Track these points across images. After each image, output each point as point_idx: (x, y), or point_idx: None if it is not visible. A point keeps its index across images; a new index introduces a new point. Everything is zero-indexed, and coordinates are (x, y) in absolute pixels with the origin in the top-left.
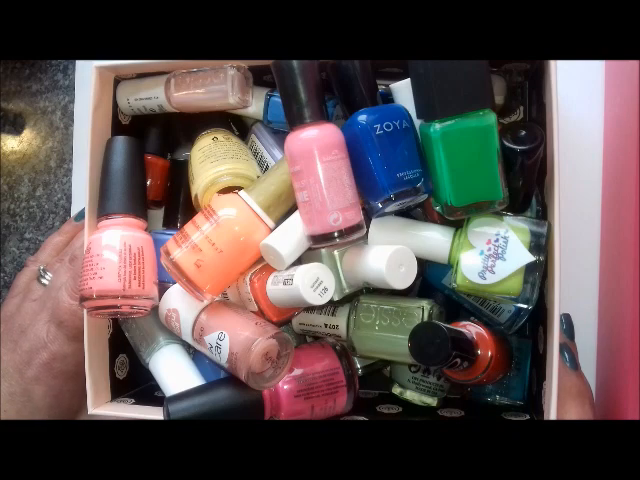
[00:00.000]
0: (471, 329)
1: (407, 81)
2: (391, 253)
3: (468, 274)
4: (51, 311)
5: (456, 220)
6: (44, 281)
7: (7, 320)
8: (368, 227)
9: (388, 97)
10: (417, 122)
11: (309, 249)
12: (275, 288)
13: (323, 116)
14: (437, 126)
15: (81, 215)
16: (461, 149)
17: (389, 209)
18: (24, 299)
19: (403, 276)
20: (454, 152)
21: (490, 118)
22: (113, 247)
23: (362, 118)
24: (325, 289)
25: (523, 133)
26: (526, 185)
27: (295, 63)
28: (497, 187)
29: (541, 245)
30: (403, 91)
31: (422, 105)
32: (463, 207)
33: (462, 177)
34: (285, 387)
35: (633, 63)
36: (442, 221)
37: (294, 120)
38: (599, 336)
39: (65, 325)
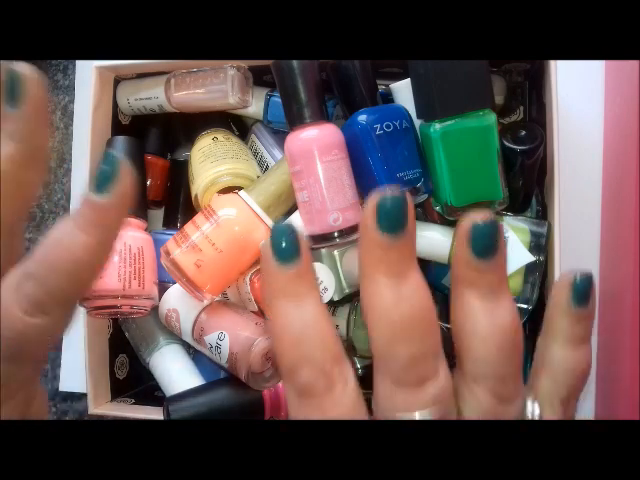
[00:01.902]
0: None
1: (407, 81)
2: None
3: None
4: None
5: (456, 220)
6: None
7: None
8: None
9: (388, 97)
10: (417, 122)
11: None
12: None
13: (323, 116)
14: (437, 126)
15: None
16: (461, 149)
17: None
18: None
19: None
20: (454, 152)
21: (490, 118)
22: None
23: (362, 118)
24: (325, 289)
25: (523, 133)
26: (526, 185)
27: (295, 63)
28: (497, 187)
29: (541, 245)
30: (403, 91)
31: (422, 105)
32: (463, 207)
33: (462, 177)
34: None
35: (633, 63)
36: (442, 221)
37: (294, 120)
38: (599, 336)
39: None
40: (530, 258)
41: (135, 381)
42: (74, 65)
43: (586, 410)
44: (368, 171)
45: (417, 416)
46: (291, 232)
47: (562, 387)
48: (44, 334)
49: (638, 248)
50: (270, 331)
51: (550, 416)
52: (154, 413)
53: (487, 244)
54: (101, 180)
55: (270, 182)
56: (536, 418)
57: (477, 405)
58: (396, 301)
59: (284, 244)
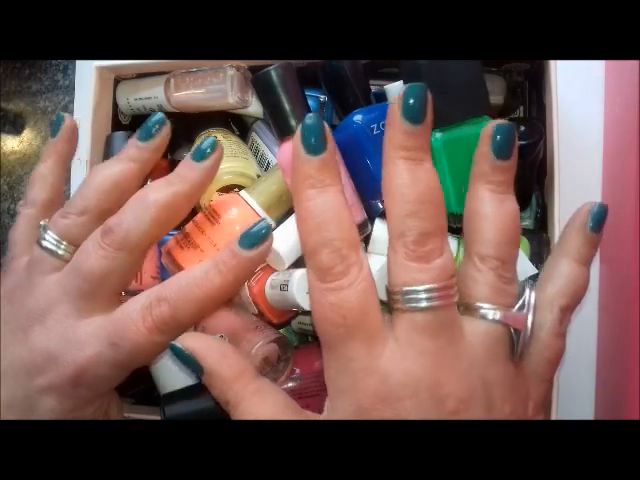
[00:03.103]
0: None
1: (401, 82)
2: (382, 265)
3: None
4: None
5: (459, 227)
6: (59, 251)
7: (11, 298)
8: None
9: (382, 97)
10: None
11: None
12: (272, 292)
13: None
14: (438, 135)
15: (57, 125)
16: (463, 156)
17: None
18: (33, 270)
19: None
20: (456, 160)
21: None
22: None
23: (358, 118)
24: None
25: (522, 129)
26: (525, 184)
27: (273, 74)
28: None
29: (541, 256)
30: (397, 91)
31: None
32: None
33: (464, 184)
34: (280, 386)
35: (633, 63)
36: None
37: (279, 132)
38: (599, 336)
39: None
40: (533, 270)
41: (135, 381)
42: (74, 65)
43: (586, 410)
44: (367, 171)
45: (422, 289)
46: (318, 125)
47: (564, 295)
48: (156, 351)
49: (638, 248)
50: (296, 217)
51: (549, 320)
52: (154, 413)
53: (505, 145)
54: (253, 238)
55: (271, 182)
56: (532, 304)
57: (484, 282)
58: (412, 181)
59: (311, 136)
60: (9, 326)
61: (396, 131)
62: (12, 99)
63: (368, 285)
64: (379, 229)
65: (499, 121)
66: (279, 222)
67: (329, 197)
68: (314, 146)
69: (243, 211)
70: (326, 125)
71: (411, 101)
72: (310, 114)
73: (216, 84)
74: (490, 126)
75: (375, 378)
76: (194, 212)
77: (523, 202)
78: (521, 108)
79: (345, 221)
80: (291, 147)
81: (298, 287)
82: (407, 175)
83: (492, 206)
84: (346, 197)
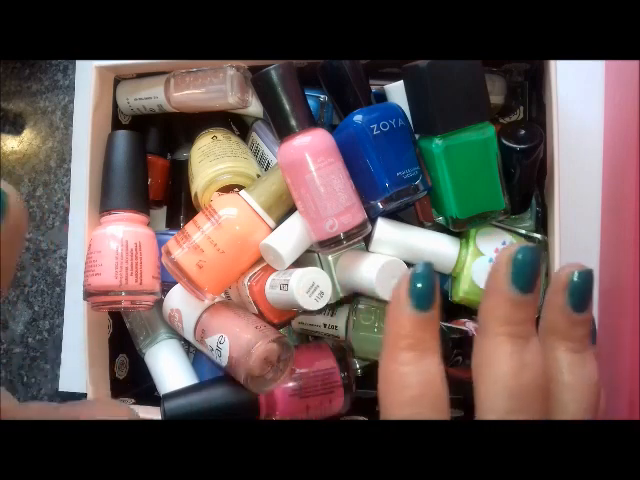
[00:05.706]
0: (470, 325)
1: (402, 82)
2: (383, 264)
3: (478, 281)
4: None
5: (461, 232)
6: None
7: None
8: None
9: (382, 98)
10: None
11: (310, 251)
12: (272, 292)
13: (305, 123)
14: (439, 141)
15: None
16: (463, 162)
17: (389, 208)
18: None
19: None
20: (456, 166)
21: (490, 130)
22: (110, 243)
23: (358, 118)
24: (322, 293)
25: (522, 132)
26: (525, 184)
27: (274, 74)
28: (499, 197)
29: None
30: (398, 92)
31: (421, 120)
32: (467, 218)
33: (465, 189)
34: (280, 386)
35: (633, 63)
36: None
37: (279, 132)
38: (599, 336)
39: None
40: None
41: (135, 381)
42: (74, 65)
43: None
44: (367, 171)
45: None
46: (432, 276)
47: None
48: None
49: (638, 248)
50: (383, 378)
51: None
52: (154, 413)
53: (585, 296)
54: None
55: (271, 182)
56: None
57: None
58: (519, 369)
59: (424, 289)
60: None
61: (501, 300)
62: (12, 99)
63: None
64: (381, 229)
65: (575, 266)
66: (280, 222)
67: (430, 367)
68: (424, 302)
69: (243, 211)
70: (437, 277)
71: (524, 268)
72: (421, 264)
73: (216, 84)
74: (565, 274)
75: None
76: (194, 212)
77: (523, 202)
78: (521, 108)
79: (442, 400)
80: (281, 150)
81: (298, 287)
82: (512, 361)
83: (572, 372)
84: (442, 364)
